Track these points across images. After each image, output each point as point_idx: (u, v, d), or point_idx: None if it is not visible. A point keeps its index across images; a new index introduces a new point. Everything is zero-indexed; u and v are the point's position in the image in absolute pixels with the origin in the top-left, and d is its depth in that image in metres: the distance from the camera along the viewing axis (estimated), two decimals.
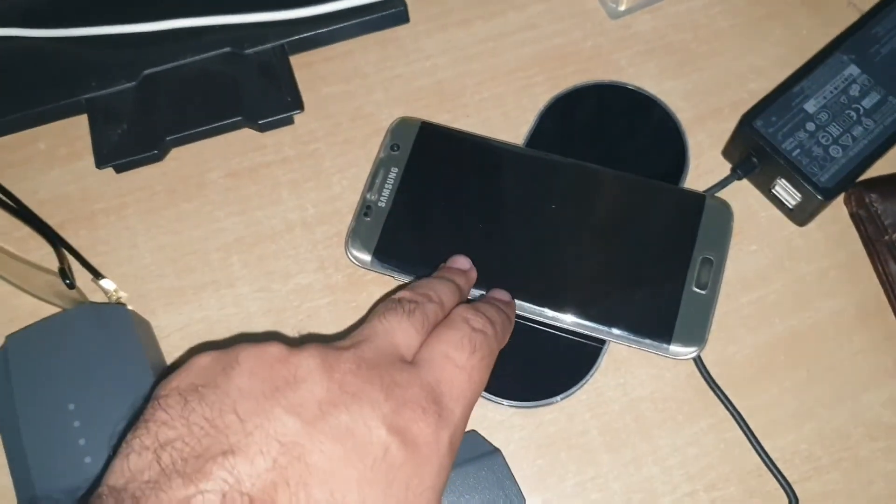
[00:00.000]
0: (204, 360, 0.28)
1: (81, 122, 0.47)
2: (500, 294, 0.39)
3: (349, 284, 0.44)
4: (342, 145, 0.47)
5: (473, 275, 0.39)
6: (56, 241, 0.42)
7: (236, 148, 0.46)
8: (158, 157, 0.44)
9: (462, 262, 0.40)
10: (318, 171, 0.46)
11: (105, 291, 0.42)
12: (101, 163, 0.43)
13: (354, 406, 0.27)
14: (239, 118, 0.44)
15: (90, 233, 0.45)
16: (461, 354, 0.31)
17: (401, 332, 0.31)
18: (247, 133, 0.47)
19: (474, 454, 0.38)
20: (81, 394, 0.38)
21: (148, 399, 0.28)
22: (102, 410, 0.37)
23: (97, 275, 0.42)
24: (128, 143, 0.43)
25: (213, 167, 0.46)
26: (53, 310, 0.43)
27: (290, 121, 0.45)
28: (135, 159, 0.43)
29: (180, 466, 0.25)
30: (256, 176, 0.46)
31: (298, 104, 0.45)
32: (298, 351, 0.28)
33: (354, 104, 0.48)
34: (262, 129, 0.45)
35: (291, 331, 0.43)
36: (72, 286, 0.40)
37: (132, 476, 0.25)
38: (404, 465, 0.27)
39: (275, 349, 0.28)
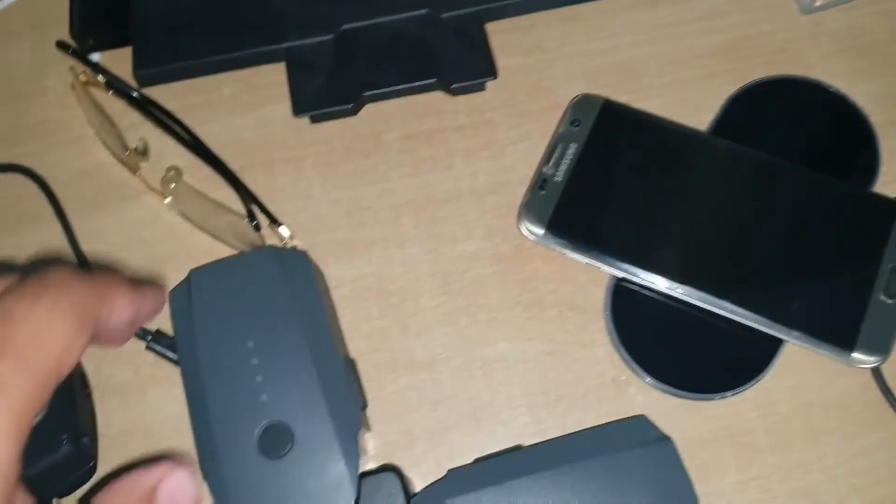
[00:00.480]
0: None
1: (265, 72, 0.48)
2: None
3: (515, 256, 0.44)
4: (517, 117, 0.47)
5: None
6: (239, 184, 0.44)
7: (413, 112, 0.47)
8: (352, 112, 0.45)
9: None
10: (492, 141, 0.46)
11: (280, 238, 0.44)
12: (298, 111, 0.44)
13: None
14: (434, 80, 0.45)
15: (268, 180, 0.46)
16: None
17: None
18: (425, 98, 0.47)
19: (644, 439, 0.37)
20: (261, 333, 0.39)
21: None
22: (280, 351, 0.38)
23: (274, 221, 0.44)
24: (325, 95, 0.44)
25: (391, 128, 0.47)
26: (228, 250, 0.44)
27: (481, 87, 0.46)
28: (330, 111, 0.44)
29: None
30: (431, 140, 0.46)
31: (492, 71, 0.45)
32: None
33: (533, 77, 0.48)
34: (454, 92, 0.45)
35: (458, 297, 0.43)
36: (258, 228, 0.41)
37: None
38: None
39: None
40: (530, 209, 0.42)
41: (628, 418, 0.39)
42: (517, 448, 0.39)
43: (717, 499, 0.39)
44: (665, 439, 0.37)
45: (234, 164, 0.46)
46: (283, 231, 0.43)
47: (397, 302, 0.43)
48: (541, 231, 0.42)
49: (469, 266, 0.44)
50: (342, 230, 0.45)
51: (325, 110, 0.44)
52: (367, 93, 0.44)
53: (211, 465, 0.37)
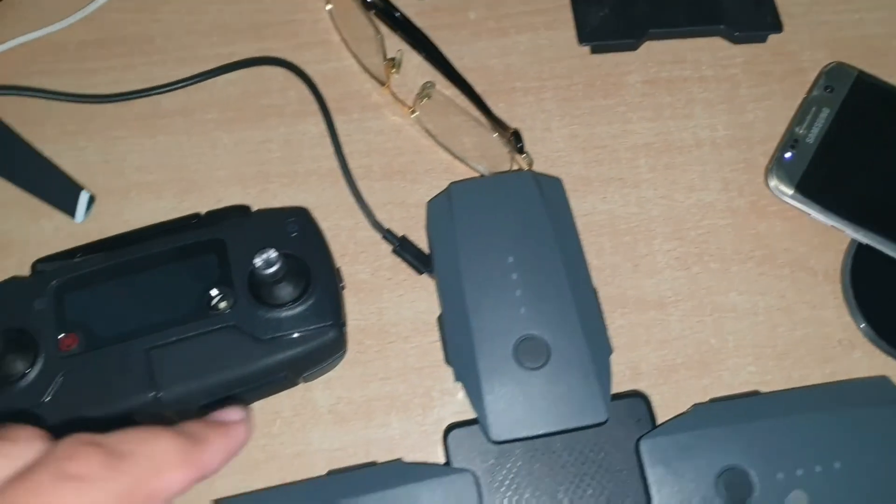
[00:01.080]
0: None
1: (511, 2, 0.49)
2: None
3: (751, 211, 0.45)
4: (760, 76, 0.47)
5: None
6: (487, 108, 0.45)
7: (656, 58, 0.48)
8: (633, 46, 0.46)
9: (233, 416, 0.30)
10: (733, 97, 0.47)
11: (524, 165, 0.45)
12: (583, 40, 0.45)
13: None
14: (721, 25, 0.45)
15: (508, 108, 0.47)
16: None
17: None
18: (668, 46, 0.48)
19: (887, 399, 0.38)
20: (520, 250, 0.40)
21: None
22: (539, 269, 0.40)
23: (520, 149, 0.45)
24: (609, 27, 0.45)
25: (633, 71, 0.47)
26: (467, 171, 0.46)
27: (763, 38, 0.46)
28: (613, 43, 0.45)
29: None
30: (672, 88, 0.47)
31: (778, 25, 0.46)
32: None
33: (778, 40, 0.48)
34: (737, 41, 0.46)
35: (691, 244, 0.44)
36: (521, 150, 0.42)
37: None
38: None
39: None
40: (781, 167, 0.43)
41: (870, 377, 0.41)
42: (755, 393, 0.40)
43: None
44: None
45: (476, 89, 0.47)
46: (526, 160, 0.44)
47: (630, 241, 0.44)
48: (790, 190, 0.42)
49: (704, 215, 0.45)
50: (577, 165, 0.46)
51: (609, 42, 0.45)
52: (653, 30, 0.45)
53: (468, 370, 0.39)
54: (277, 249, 0.37)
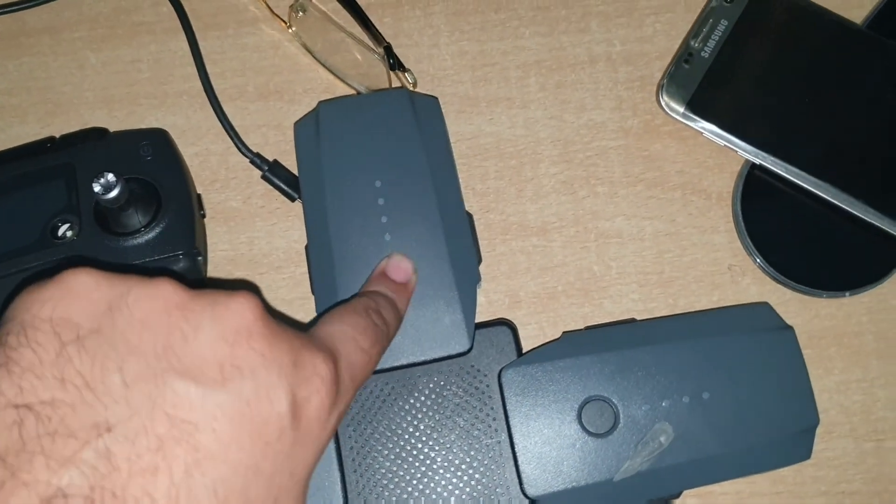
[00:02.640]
0: (85, 281, 0.23)
1: None
2: (398, 272, 0.35)
3: (644, 132, 0.42)
4: None
5: (412, 287, 0.36)
6: (370, 22, 0.42)
7: None
8: None
9: (402, 272, 0.36)
10: (632, 9, 0.44)
11: (406, 84, 0.42)
12: None
13: (261, 371, 0.23)
14: None
15: (395, 22, 0.44)
16: (366, 340, 0.29)
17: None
18: None
19: (766, 326, 0.37)
20: (388, 173, 0.38)
21: (5, 312, 0.23)
22: (408, 194, 0.38)
23: (401, 66, 0.42)
24: None
25: None
26: (347, 90, 0.43)
27: None
28: None
29: (47, 444, 0.20)
30: (568, 1, 0.44)
31: None
32: (198, 296, 0.24)
33: None
34: None
35: (578, 167, 0.42)
36: (394, 67, 0.40)
37: None
38: (294, 447, 0.23)
39: (169, 289, 0.23)
40: (673, 82, 0.40)
41: (751, 304, 0.39)
42: (631, 321, 0.39)
43: (818, 395, 0.39)
44: (787, 328, 0.37)
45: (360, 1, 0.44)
46: (409, 77, 0.42)
47: (515, 165, 0.42)
48: (680, 107, 0.40)
49: (594, 136, 0.42)
50: (465, 84, 0.43)
51: None
52: None
53: (329, 300, 0.37)
54: (129, 173, 0.35)
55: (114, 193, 0.35)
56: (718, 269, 0.41)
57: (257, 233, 0.41)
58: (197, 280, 0.39)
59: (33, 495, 0.20)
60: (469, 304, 0.37)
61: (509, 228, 0.41)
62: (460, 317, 0.36)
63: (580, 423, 0.35)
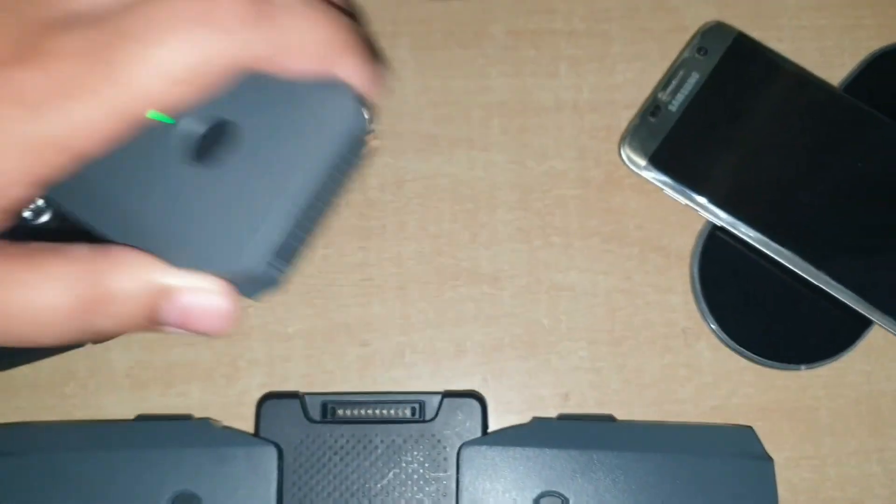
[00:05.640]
0: None
1: None
2: None
3: (605, 183, 0.41)
4: (637, 33, 0.43)
5: None
6: None
7: (525, 6, 0.43)
8: None
9: None
10: (604, 55, 0.42)
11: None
12: None
13: None
14: None
15: None
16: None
17: None
18: None
19: (745, 452, 0.35)
20: None
21: None
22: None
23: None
24: None
25: (497, 19, 0.43)
26: None
27: None
28: None
29: None
30: (539, 42, 0.43)
31: None
32: None
33: None
34: None
35: (535, 216, 0.41)
36: None
37: None
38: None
39: None
40: (637, 135, 0.39)
41: (734, 426, 0.37)
42: (609, 417, 0.37)
43: None
44: (767, 459, 0.35)
45: None
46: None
47: (471, 209, 0.41)
48: (642, 160, 0.39)
49: (553, 185, 0.41)
50: (426, 122, 0.42)
51: None
52: None
53: None
54: None
55: None
56: (672, 332, 0.39)
57: None
58: None
59: None
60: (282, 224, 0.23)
61: (460, 274, 0.40)
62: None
63: None
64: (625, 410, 0.38)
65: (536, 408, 0.38)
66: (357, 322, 0.39)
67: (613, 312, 0.39)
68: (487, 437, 0.35)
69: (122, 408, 0.38)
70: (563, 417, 0.37)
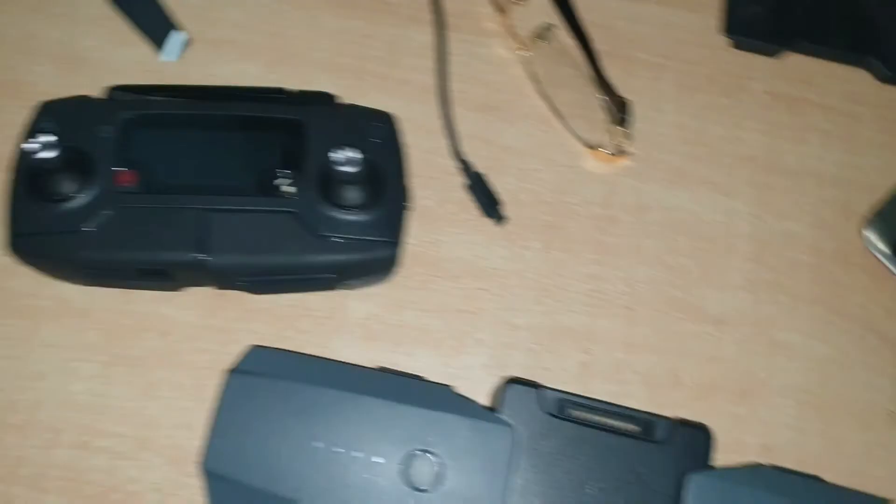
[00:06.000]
0: None
1: None
2: None
3: (836, 255, 0.42)
4: (888, 123, 0.44)
5: None
6: (603, 72, 0.42)
7: (787, 72, 0.45)
8: (773, 53, 0.43)
9: None
10: (854, 135, 0.44)
11: (617, 141, 0.42)
12: (731, 31, 0.43)
13: None
14: (872, 58, 0.43)
15: (622, 76, 0.44)
16: None
17: None
18: (805, 63, 0.45)
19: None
20: None
21: None
22: None
23: (622, 120, 0.42)
24: (759, 26, 0.42)
25: (759, 78, 0.45)
26: (562, 128, 0.43)
27: None
28: (757, 43, 0.43)
29: None
30: (794, 107, 0.44)
31: None
32: None
33: None
34: (883, 79, 0.43)
35: (768, 271, 0.42)
36: (623, 122, 0.40)
37: None
38: None
39: None
40: (882, 220, 0.41)
41: (877, 496, 0.38)
42: (816, 478, 0.37)
43: None
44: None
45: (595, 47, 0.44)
46: (625, 136, 0.42)
47: (707, 248, 0.42)
48: (887, 248, 0.40)
49: (788, 246, 0.42)
50: (677, 156, 0.43)
51: (755, 41, 0.42)
52: (802, 42, 0.42)
53: None
54: (356, 149, 0.35)
55: (352, 169, 0.35)
56: (876, 411, 0.40)
57: (444, 237, 0.41)
58: (391, 266, 0.38)
59: None
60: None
61: (688, 308, 0.41)
62: None
63: None
64: (821, 474, 0.39)
65: (736, 452, 0.39)
66: (582, 329, 0.40)
67: (825, 380, 0.41)
68: (714, 471, 0.36)
69: (350, 353, 0.39)
70: (775, 468, 0.38)
